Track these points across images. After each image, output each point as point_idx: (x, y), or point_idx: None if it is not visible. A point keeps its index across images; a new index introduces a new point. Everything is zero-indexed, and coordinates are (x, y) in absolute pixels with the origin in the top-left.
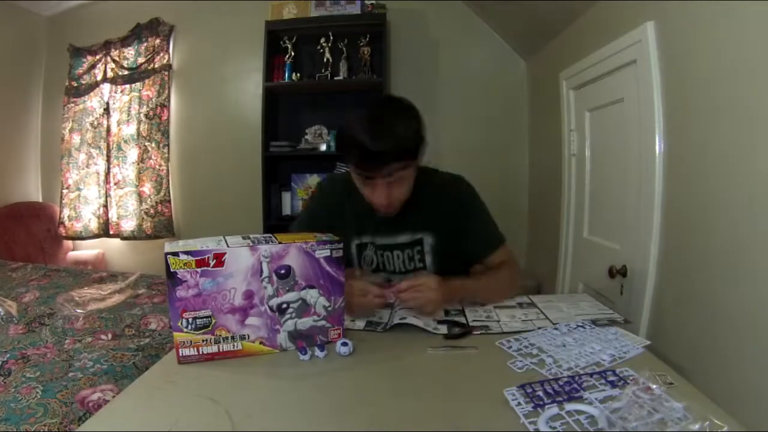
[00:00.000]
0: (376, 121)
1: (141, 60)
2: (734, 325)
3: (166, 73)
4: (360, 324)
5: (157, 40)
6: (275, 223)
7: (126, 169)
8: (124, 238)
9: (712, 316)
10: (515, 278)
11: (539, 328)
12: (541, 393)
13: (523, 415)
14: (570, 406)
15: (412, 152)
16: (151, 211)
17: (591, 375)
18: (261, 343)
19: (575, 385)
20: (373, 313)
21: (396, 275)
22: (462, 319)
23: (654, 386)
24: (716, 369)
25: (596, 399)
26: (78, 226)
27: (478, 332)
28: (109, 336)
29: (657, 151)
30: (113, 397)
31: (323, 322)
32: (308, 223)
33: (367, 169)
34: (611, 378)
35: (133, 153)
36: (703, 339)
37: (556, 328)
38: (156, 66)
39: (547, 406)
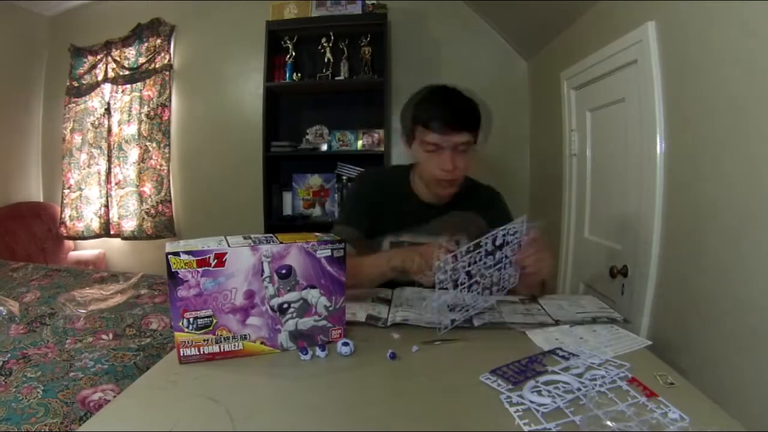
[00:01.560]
0: (451, 94)
1: (142, 60)
2: (735, 325)
3: (167, 73)
4: (361, 316)
5: (158, 40)
6: (276, 223)
7: (127, 169)
8: (124, 238)
9: (714, 316)
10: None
11: (540, 323)
12: (512, 373)
13: (507, 391)
14: (543, 378)
15: (478, 124)
16: (152, 211)
17: (544, 354)
18: (262, 342)
19: (537, 363)
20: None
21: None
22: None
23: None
24: (717, 369)
25: (559, 370)
26: (79, 226)
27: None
28: (110, 336)
29: (658, 151)
30: (114, 397)
31: (324, 322)
32: (348, 220)
33: (443, 132)
34: (561, 354)
35: (134, 153)
36: (704, 339)
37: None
38: (157, 66)
39: (524, 382)
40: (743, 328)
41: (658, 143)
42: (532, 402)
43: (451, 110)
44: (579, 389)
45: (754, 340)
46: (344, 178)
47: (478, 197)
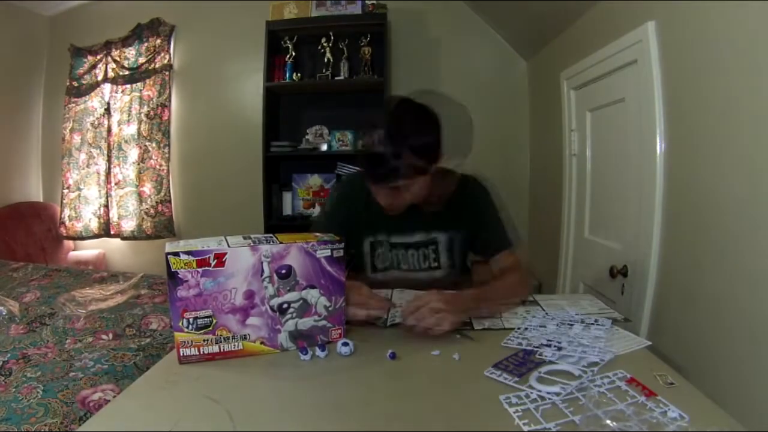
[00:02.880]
0: (388, 138)
1: (142, 60)
2: (735, 325)
3: (167, 73)
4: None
5: (158, 40)
6: (276, 223)
7: (126, 169)
8: (124, 238)
9: (713, 316)
10: (522, 285)
11: (541, 325)
12: (513, 366)
13: (515, 383)
14: (545, 368)
15: (420, 169)
16: (152, 211)
17: (539, 346)
18: (262, 343)
19: (534, 355)
20: (368, 319)
21: (410, 273)
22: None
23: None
24: (717, 369)
25: (556, 359)
26: (78, 226)
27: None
28: (110, 336)
29: (657, 151)
30: (114, 397)
31: (324, 322)
32: (326, 224)
33: (374, 181)
34: (555, 345)
35: (133, 153)
36: (704, 338)
37: (554, 324)
38: (157, 66)
39: (528, 373)
40: (743, 327)
41: (658, 143)
42: (540, 391)
43: (382, 160)
44: (580, 376)
45: (754, 340)
46: (344, 178)
47: (461, 193)
